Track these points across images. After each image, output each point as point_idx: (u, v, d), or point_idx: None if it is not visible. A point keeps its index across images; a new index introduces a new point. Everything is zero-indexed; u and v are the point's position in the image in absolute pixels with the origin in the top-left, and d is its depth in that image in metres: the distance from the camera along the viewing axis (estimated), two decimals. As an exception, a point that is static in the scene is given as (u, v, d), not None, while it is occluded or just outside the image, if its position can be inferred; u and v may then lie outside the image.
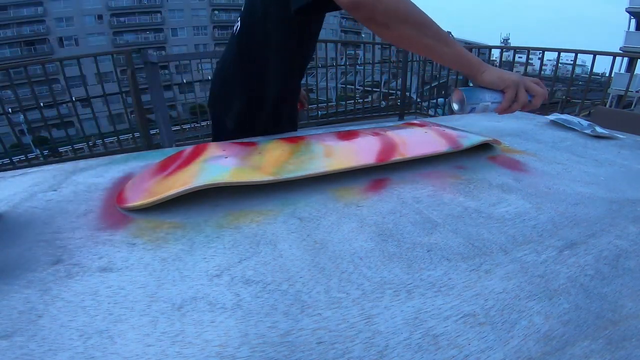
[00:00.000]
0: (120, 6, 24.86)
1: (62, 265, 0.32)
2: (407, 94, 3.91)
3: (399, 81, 3.89)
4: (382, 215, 0.41)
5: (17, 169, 0.72)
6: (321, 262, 0.33)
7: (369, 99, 4.34)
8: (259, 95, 0.79)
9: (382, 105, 4.41)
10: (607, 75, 2.90)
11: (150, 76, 2.75)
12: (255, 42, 0.75)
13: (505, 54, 3.89)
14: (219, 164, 0.47)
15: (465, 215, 0.41)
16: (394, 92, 4.42)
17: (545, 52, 2.97)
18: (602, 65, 3.14)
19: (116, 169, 0.55)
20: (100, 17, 24.47)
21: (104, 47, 23.50)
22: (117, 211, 0.42)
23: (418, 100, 4.11)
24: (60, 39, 23.61)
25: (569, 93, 3.26)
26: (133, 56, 2.75)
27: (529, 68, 3.78)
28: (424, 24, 0.60)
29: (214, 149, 0.52)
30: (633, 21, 14.47)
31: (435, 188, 0.48)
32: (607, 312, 0.27)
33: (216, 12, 27.97)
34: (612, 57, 2.55)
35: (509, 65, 3.60)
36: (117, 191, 0.46)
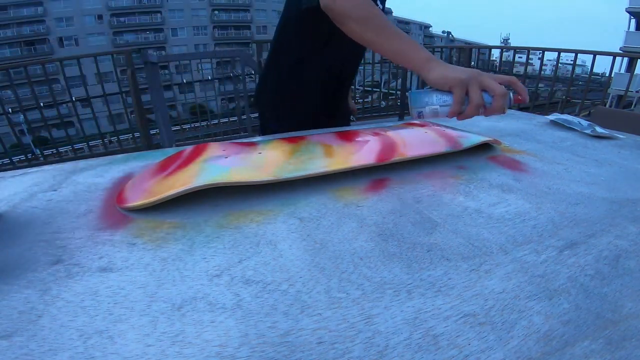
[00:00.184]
0: (120, 6, 24.87)
1: (62, 265, 0.32)
2: (407, 94, 3.92)
3: (399, 81, 3.89)
4: (382, 215, 0.41)
5: (17, 169, 0.72)
6: (321, 262, 0.33)
7: (369, 99, 4.34)
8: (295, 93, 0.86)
9: (382, 105, 4.41)
10: (607, 75, 2.91)
11: (150, 76, 2.75)
12: (279, 40, 0.84)
13: (505, 54, 3.90)
14: (219, 164, 0.47)
15: (465, 215, 0.41)
16: (394, 92, 4.42)
17: (545, 52, 2.97)
18: (602, 65, 3.14)
19: (116, 169, 0.55)
20: (100, 17, 24.47)
21: (104, 47, 23.51)
22: (117, 211, 0.42)
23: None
24: (60, 39, 23.62)
25: (569, 93, 3.26)
26: (133, 56, 2.75)
27: (529, 68, 3.78)
28: (367, 19, 0.62)
29: (214, 149, 0.52)
30: (633, 21, 14.47)
31: (435, 188, 0.48)
32: (607, 312, 0.27)
33: (216, 12, 27.98)
34: (612, 57, 2.55)
35: (509, 65, 3.61)
36: (117, 191, 0.46)
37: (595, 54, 2.65)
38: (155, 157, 0.57)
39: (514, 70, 3.56)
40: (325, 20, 0.66)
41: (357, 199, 0.44)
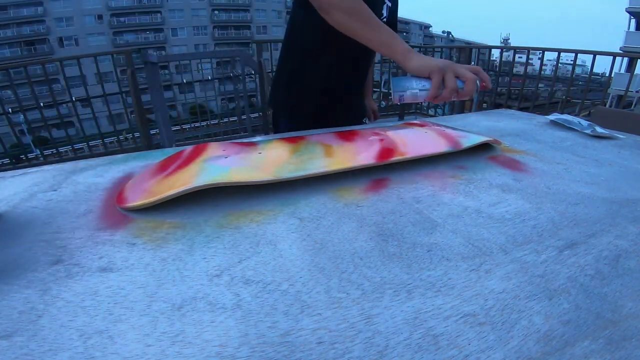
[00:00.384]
0: (120, 6, 24.88)
1: (62, 265, 0.32)
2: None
3: (399, 81, 3.88)
4: (382, 215, 0.41)
5: (17, 169, 0.72)
6: (321, 262, 0.33)
7: (369, 99, 4.32)
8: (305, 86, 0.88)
9: (382, 105, 4.41)
10: (607, 75, 2.91)
11: (150, 76, 2.75)
12: (289, 35, 0.87)
13: (505, 54, 3.89)
14: (219, 164, 0.47)
15: (465, 215, 0.41)
16: (394, 92, 4.41)
17: (545, 52, 2.97)
18: (602, 65, 3.14)
19: (116, 169, 0.55)
20: (100, 17, 24.48)
21: (104, 47, 23.52)
22: (117, 211, 0.42)
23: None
24: (60, 39, 23.62)
25: (569, 93, 3.26)
26: (133, 56, 2.75)
27: (529, 68, 3.78)
28: (354, 10, 0.66)
29: (214, 149, 0.52)
30: (633, 21, 14.47)
31: (435, 188, 0.48)
32: (607, 312, 0.27)
33: (216, 12, 27.99)
34: (612, 57, 2.55)
35: (509, 65, 3.60)
36: (117, 191, 0.46)
37: (595, 54, 2.65)
38: (155, 157, 0.57)
39: (514, 70, 3.55)
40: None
41: (357, 199, 0.45)
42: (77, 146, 3.43)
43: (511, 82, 3.70)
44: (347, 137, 0.60)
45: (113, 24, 24.78)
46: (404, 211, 0.42)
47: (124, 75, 2.74)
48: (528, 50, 3.27)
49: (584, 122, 0.80)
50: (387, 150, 0.54)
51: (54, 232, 0.37)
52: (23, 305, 0.27)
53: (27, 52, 22.78)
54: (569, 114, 0.97)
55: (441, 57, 3.52)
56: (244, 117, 3.35)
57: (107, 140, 3.15)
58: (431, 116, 3.74)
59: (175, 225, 0.38)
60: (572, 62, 2.81)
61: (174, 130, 3.36)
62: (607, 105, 3.40)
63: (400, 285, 0.30)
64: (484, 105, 4.07)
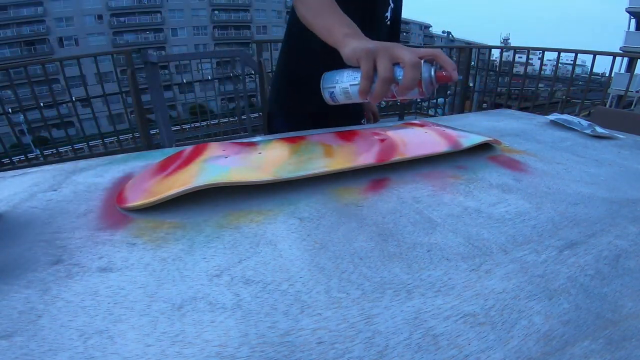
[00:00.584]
0: (120, 6, 24.88)
1: (62, 265, 0.32)
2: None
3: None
4: (382, 215, 0.41)
5: (17, 169, 0.72)
6: (321, 262, 0.33)
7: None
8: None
9: (382, 105, 4.41)
10: (607, 75, 2.91)
11: (150, 76, 2.75)
12: (288, 35, 0.87)
13: (505, 54, 3.89)
14: (219, 164, 0.47)
15: (465, 215, 0.41)
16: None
17: (545, 52, 2.97)
18: (602, 65, 3.14)
19: (116, 169, 0.55)
20: (100, 17, 24.49)
21: (103, 47, 23.53)
22: (117, 211, 0.42)
23: (418, 100, 4.11)
24: (60, 39, 23.63)
25: (569, 93, 3.26)
26: (133, 56, 2.76)
27: (529, 68, 3.79)
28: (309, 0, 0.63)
29: (214, 149, 0.52)
30: (633, 21, 14.47)
31: (435, 188, 0.48)
32: (607, 312, 0.27)
33: (216, 12, 27.99)
34: (612, 57, 2.55)
35: (509, 65, 3.60)
36: (117, 191, 0.46)
37: (595, 54, 2.65)
38: (155, 157, 0.57)
39: (514, 70, 3.55)
40: None
41: (357, 199, 0.44)
42: (77, 146, 3.43)
43: (511, 82, 3.71)
44: (347, 137, 0.60)
45: (113, 24, 24.79)
46: (404, 211, 0.42)
47: (124, 75, 2.74)
48: (528, 50, 3.27)
49: (584, 122, 0.80)
50: (387, 150, 0.54)
51: (54, 232, 0.37)
52: (23, 305, 0.27)
53: (27, 52, 22.80)
54: (569, 114, 0.97)
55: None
56: (244, 117, 3.35)
57: (107, 140, 3.15)
58: (431, 116, 3.74)
59: (175, 225, 0.38)
60: (572, 62, 2.81)
61: (174, 130, 3.36)
62: (607, 105, 3.41)
63: (400, 285, 0.30)
64: (484, 105, 4.07)
